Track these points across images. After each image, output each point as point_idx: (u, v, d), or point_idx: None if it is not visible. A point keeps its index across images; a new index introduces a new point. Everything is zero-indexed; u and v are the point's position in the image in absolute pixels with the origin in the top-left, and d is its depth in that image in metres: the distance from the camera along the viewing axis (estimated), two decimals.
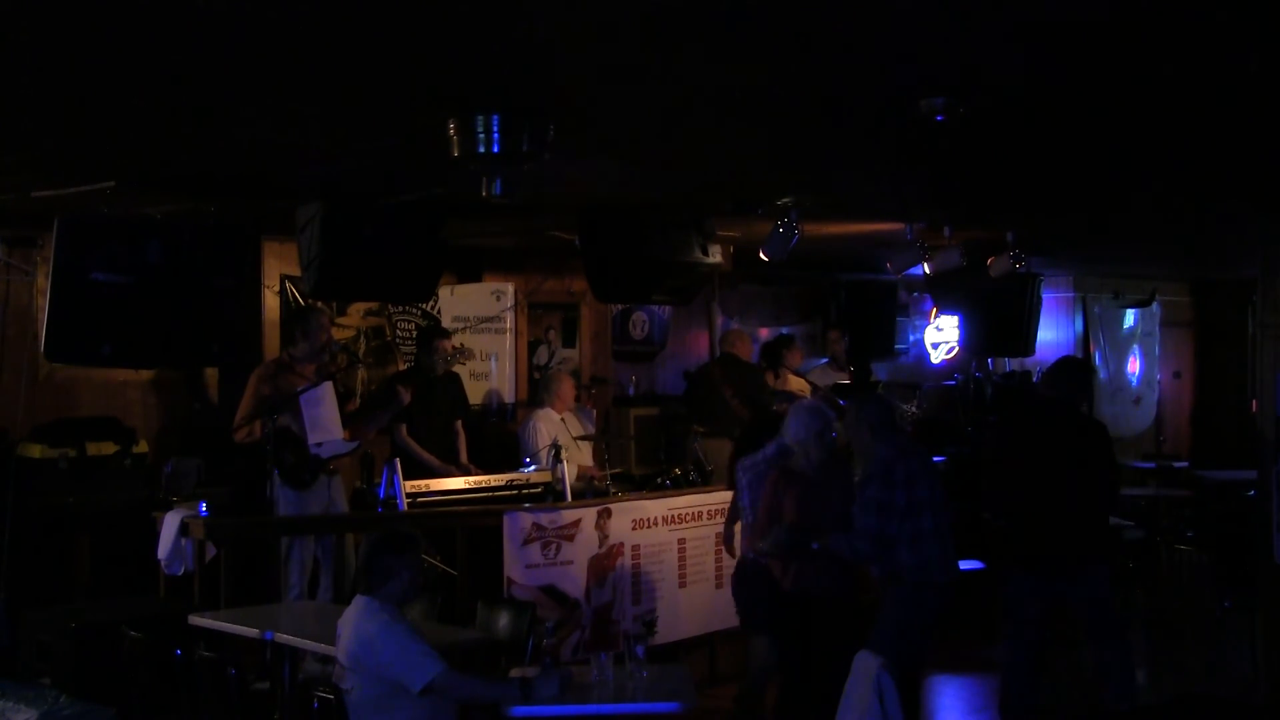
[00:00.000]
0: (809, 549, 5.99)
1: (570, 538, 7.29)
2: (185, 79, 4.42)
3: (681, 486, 8.38)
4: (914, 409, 11.47)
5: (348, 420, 7.67)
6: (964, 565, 9.09)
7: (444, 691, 4.59)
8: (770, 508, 6.24)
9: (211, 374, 8.91)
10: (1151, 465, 12.79)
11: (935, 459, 10.17)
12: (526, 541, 7.12)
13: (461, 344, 9.06)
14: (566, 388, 8.86)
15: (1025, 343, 10.83)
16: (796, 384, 10.03)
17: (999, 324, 10.81)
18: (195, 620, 6.00)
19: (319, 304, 8.39)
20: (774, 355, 10.39)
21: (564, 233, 8.43)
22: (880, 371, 12.57)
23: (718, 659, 8.01)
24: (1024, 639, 6.37)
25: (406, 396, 7.87)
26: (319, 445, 7.36)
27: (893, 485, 5.76)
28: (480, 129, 4.89)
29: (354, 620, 4.72)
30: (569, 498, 7.86)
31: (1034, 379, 12.84)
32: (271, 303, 8.97)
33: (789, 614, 6.25)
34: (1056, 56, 4.27)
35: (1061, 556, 6.22)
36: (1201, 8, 3.74)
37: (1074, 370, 6.77)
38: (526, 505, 7.47)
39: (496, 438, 9.45)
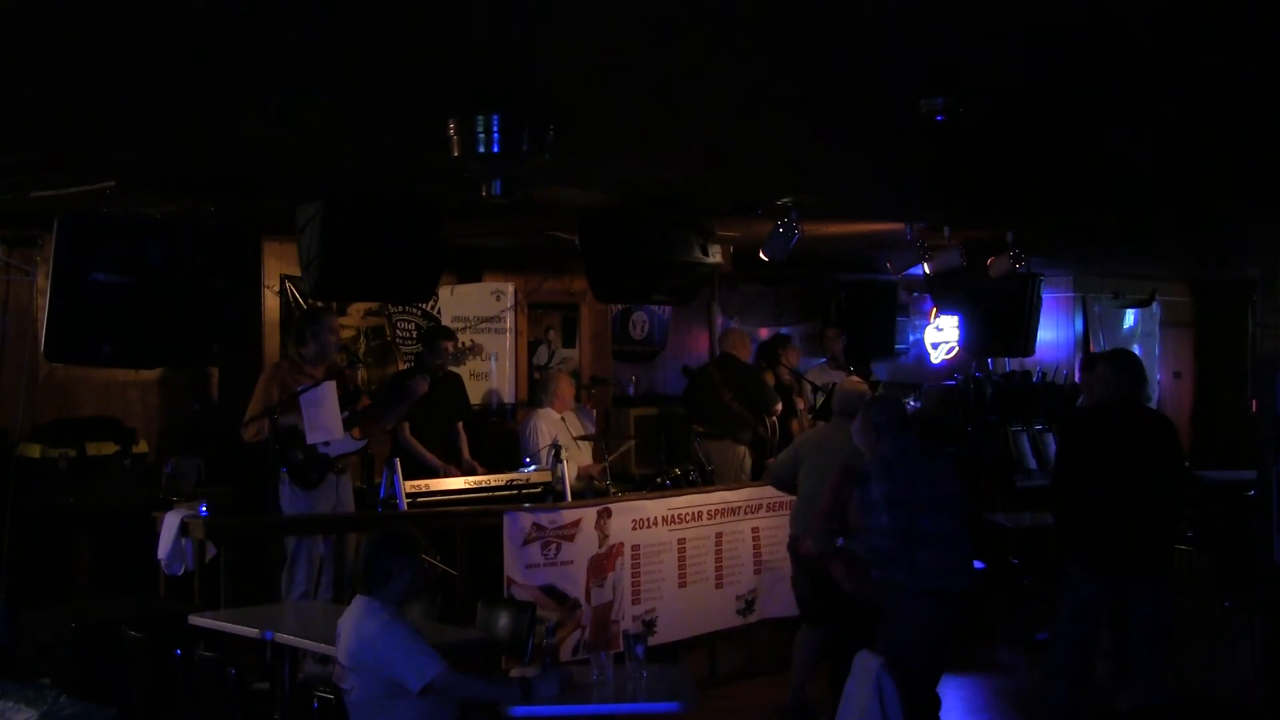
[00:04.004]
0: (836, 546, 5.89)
1: (570, 538, 7.29)
2: (185, 79, 4.43)
3: (681, 486, 8.37)
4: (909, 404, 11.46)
5: (359, 417, 7.64)
6: None
7: (444, 691, 4.59)
8: (832, 508, 6.07)
9: (211, 374, 8.91)
10: None
11: None
12: (526, 541, 7.11)
13: (471, 340, 9.06)
14: (565, 387, 8.86)
15: (1025, 343, 10.83)
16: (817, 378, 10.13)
17: (999, 324, 10.80)
18: (195, 620, 5.99)
19: (321, 305, 8.38)
20: (771, 355, 10.39)
21: (564, 233, 8.44)
22: (880, 371, 12.58)
23: (718, 659, 8.01)
24: (1077, 643, 6.19)
25: (423, 386, 7.87)
26: (327, 445, 7.35)
27: (895, 480, 5.60)
28: (480, 129, 4.89)
29: (354, 620, 4.72)
30: (569, 498, 7.86)
31: (1034, 379, 12.84)
32: (271, 303, 8.98)
33: (853, 616, 6.09)
34: (1057, 56, 4.27)
35: (1136, 560, 6.02)
36: (1201, 9, 3.74)
37: (1130, 365, 6.47)
38: (526, 505, 7.47)
39: (496, 438, 9.45)
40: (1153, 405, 14.24)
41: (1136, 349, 14.22)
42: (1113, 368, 6.32)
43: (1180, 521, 6.76)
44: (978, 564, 9.13)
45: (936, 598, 5.59)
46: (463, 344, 8.73)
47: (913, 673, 5.50)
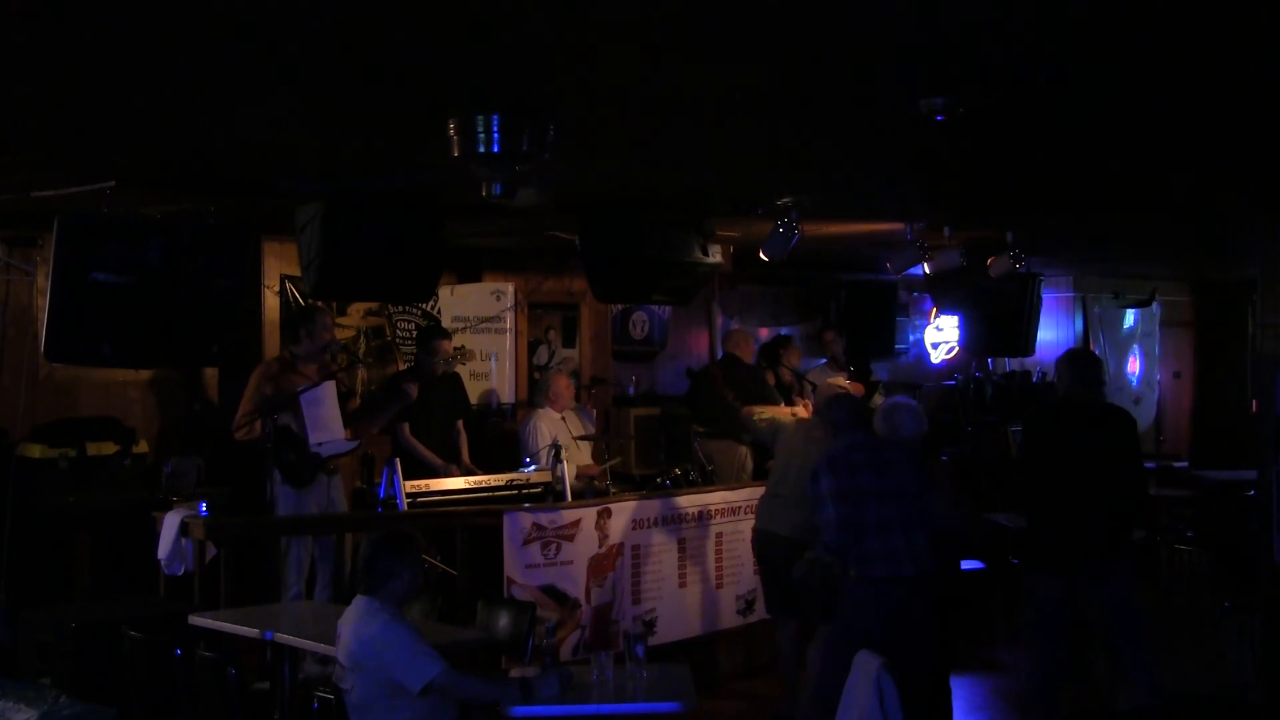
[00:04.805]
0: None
1: (570, 538, 7.29)
2: (185, 79, 4.43)
3: (681, 486, 8.38)
4: None
5: (352, 417, 7.66)
6: (964, 565, 9.15)
7: (444, 691, 4.59)
8: None
9: (211, 374, 8.91)
10: (1152, 465, 12.77)
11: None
12: (526, 541, 7.12)
13: (463, 345, 9.07)
14: (561, 387, 8.86)
15: (1025, 343, 10.83)
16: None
17: (999, 324, 10.80)
18: (195, 620, 6.00)
19: (320, 304, 8.38)
20: (773, 355, 10.38)
21: (564, 233, 8.43)
22: (880, 371, 12.58)
23: (718, 659, 8.01)
24: (1051, 643, 6.21)
25: (414, 390, 7.87)
26: (320, 444, 7.35)
27: (836, 474, 5.75)
28: (480, 129, 4.89)
29: (354, 620, 4.72)
30: (569, 498, 7.86)
31: (1034, 379, 12.84)
32: (271, 303, 8.97)
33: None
34: (1057, 56, 4.27)
35: (1087, 557, 6.05)
36: (1202, 8, 3.74)
37: (1085, 361, 6.52)
38: (526, 505, 7.47)
39: (496, 438, 9.45)
40: (1152, 405, 14.26)
41: (1136, 349, 14.24)
42: (1066, 367, 6.36)
43: (1141, 516, 6.73)
44: (977, 564, 9.21)
45: (888, 585, 5.68)
46: (454, 348, 8.74)
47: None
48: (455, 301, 9.71)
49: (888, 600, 5.69)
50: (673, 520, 7.84)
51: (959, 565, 7.38)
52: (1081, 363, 6.42)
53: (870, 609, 5.69)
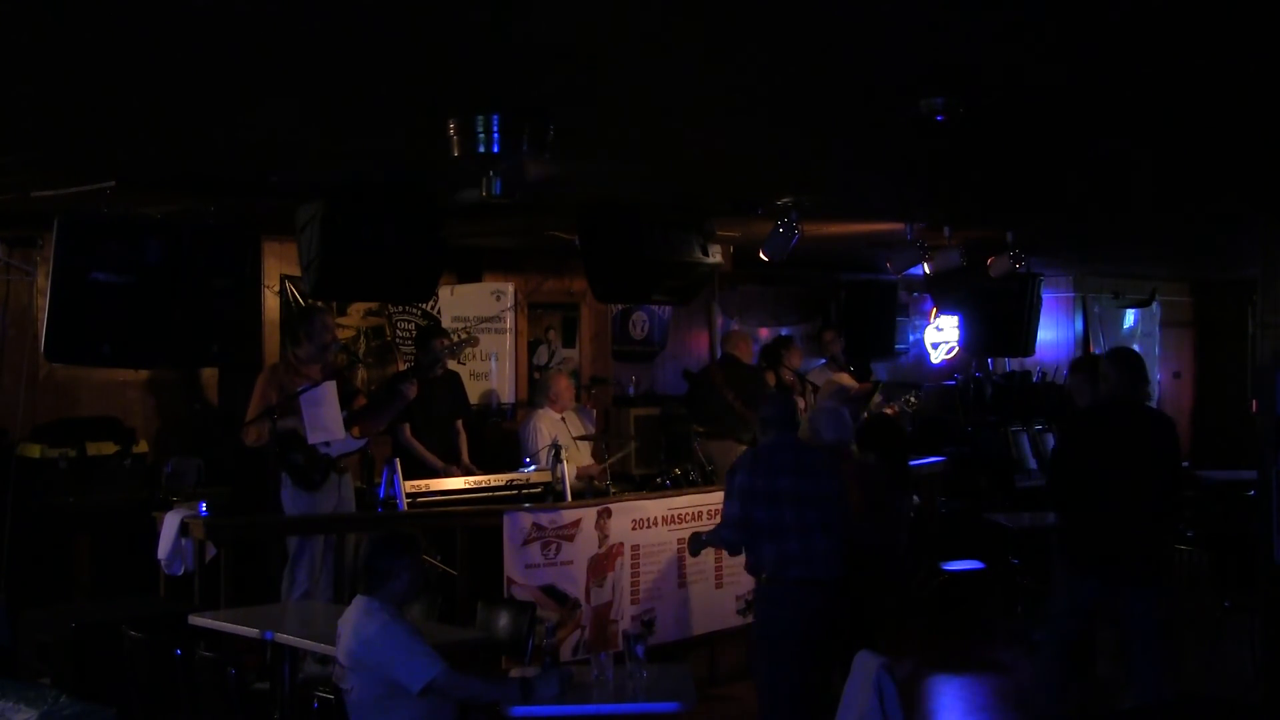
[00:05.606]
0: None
1: (570, 538, 7.29)
2: (185, 79, 4.43)
3: (681, 486, 8.37)
4: (910, 406, 11.46)
5: (357, 416, 7.65)
6: (964, 565, 9.17)
7: (443, 692, 4.59)
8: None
9: (211, 374, 8.91)
10: None
11: (934, 459, 10.25)
12: (526, 541, 7.12)
13: (467, 331, 9.06)
14: (561, 387, 8.86)
15: (1025, 343, 10.83)
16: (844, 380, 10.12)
17: (999, 324, 10.81)
18: (195, 620, 6.00)
19: (319, 304, 8.37)
20: (774, 356, 10.39)
21: (564, 233, 8.44)
22: (880, 371, 12.58)
23: (718, 659, 8.01)
24: (1067, 642, 6.17)
25: (412, 390, 7.87)
26: (328, 445, 7.34)
27: (755, 473, 5.75)
28: (480, 129, 4.89)
29: (354, 620, 4.72)
30: (569, 498, 7.86)
31: (1034, 379, 12.84)
32: (271, 303, 8.97)
33: None
34: (1057, 56, 4.27)
35: (1130, 562, 5.97)
36: (1202, 9, 3.74)
37: (1130, 362, 6.35)
38: (526, 505, 7.47)
39: (496, 438, 9.45)
40: (1152, 405, 14.25)
41: (1136, 349, 14.22)
42: (1115, 367, 6.26)
43: (1175, 523, 6.70)
44: (976, 563, 9.22)
45: (805, 586, 5.71)
46: (460, 335, 8.72)
47: (780, 665, 5.68)
48: (455, 301, 9.71)
49: (803, 602, 5.72)
50: (673, 520, 7.83)
51: (885, 569, 7.30)
52: (1127, 363, 6.30)
53: (785, 611, 5.73)
